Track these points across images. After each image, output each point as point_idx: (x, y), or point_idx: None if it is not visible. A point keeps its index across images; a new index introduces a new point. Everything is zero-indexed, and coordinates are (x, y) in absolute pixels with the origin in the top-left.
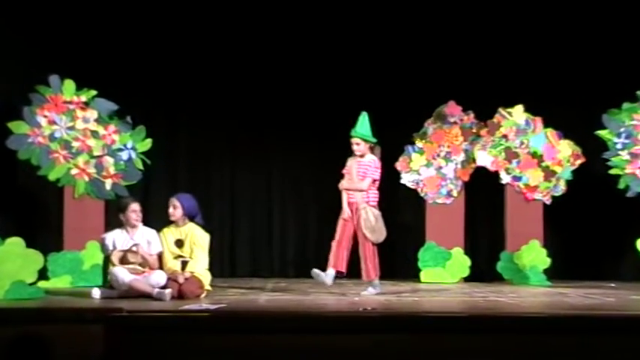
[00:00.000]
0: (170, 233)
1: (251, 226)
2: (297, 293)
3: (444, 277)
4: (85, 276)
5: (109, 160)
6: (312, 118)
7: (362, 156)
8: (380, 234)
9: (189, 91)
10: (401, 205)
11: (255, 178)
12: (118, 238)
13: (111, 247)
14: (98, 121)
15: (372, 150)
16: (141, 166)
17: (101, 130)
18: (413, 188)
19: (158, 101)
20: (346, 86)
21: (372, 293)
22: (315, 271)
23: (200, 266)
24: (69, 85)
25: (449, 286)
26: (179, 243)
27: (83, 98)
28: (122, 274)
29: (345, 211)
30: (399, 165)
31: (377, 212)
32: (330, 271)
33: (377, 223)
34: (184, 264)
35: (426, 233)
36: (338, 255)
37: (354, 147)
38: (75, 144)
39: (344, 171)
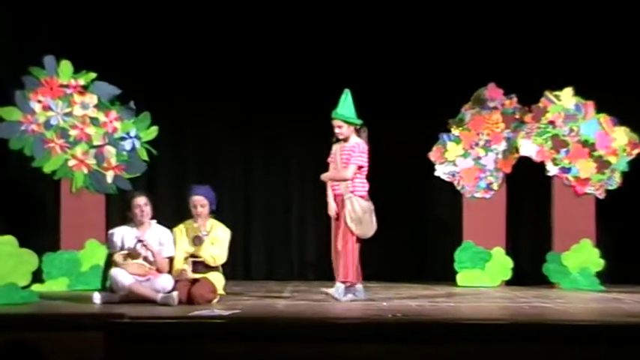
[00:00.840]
0: (189, 229)
1: (267, 224)
2: (319, 298)
3: (483, 281)
4: (84, 278)
5: (110, 150)
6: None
7: (346, 140)
8: (367, 228)
9: (199, 73)
10: (435, 200)
11: (272, 171)
12: (126, 235)
13: (119, 244)
14: (98, 106)
15: (357, 133)
16: (146, 157)
17: (101, 117)
18: (448, 181)
19: (164, 84)
20: (373, 70)
21: (335, 296)
22: (324, 290)
23: (218, 255)
24: (66, 66)
25: (488, 291)
26: (198, 240)
27: (81, 81)
28: (122, 276)
29: (331, 207)
30: (432, 155)
31: (365, 203)
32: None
33: (364, 215)
34: (196, 265)
35: (462, 231)
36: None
37: (336, 130)
38: (72, 132)
39: (329, 159)
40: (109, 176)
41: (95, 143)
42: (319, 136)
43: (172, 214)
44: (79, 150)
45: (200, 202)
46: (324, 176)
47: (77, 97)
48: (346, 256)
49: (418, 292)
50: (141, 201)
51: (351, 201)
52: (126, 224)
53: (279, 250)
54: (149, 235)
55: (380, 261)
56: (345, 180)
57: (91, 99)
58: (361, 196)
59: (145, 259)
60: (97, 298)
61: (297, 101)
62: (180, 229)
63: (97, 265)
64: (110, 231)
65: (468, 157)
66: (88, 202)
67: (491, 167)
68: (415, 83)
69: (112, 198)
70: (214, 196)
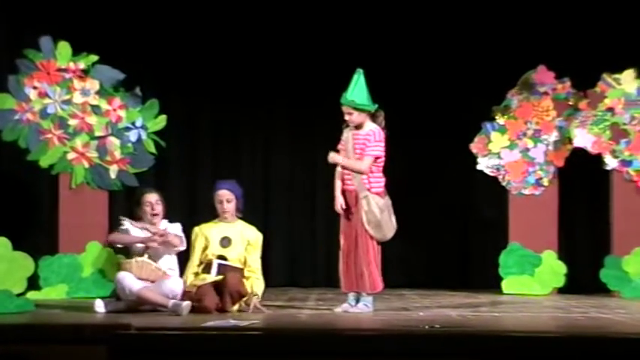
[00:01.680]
0: (214, 230)
1: (289, 223)
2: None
3: (531, 288)
4: (85, 285)
5: (113, 142)
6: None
7: (359, 127)
8: (387, 229)
9: (213, 54)
10: (477, 197)
11: (295, 164)
12: (134, 234)
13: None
14: (100, 93)
15: (373, 118)
16: (153, 150)
17: (104, 105)
18: (492, 175)
19: (174, 68)
20: (405, 49)
21: (366, 310)
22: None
23: (261, 286)
24: (64, 48)
25: (538, 300)
26: (226, 242)
27: (82, 65)
28: (130, 281)
29: (338, 202)
30: (474, 147)
31: (382, 201)
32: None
33: (383, 216)
34: (222, 267)
35: (509, 232)
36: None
37: (346, 117)
38: (72, 122)
39: (339, 146)
40: (113, 171)
41: (97, 134)
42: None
43: (184, 215)
44: (79, 142)
45: (226, 196)
46: (334, 157)
47: (77, 83)
48: (370, 265)
49: (458, 300)
50: (152, 198)
51: (367, 200)
52: (134, 224)
53: (303, 253)
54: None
55: (415, 266)
56: (360, 173)
57: (93, 85)
58: (378, 194)
59: (150, 257)
60: (99, 306)
61: (325, 87)
62: (202, 228)
63: (100, 270)
64: (122, 217)
65: (515, 149)
66: (89, 199)
67: (541, 160)
68: (454, 65)
69: (116, 195)
70: (242, 192)
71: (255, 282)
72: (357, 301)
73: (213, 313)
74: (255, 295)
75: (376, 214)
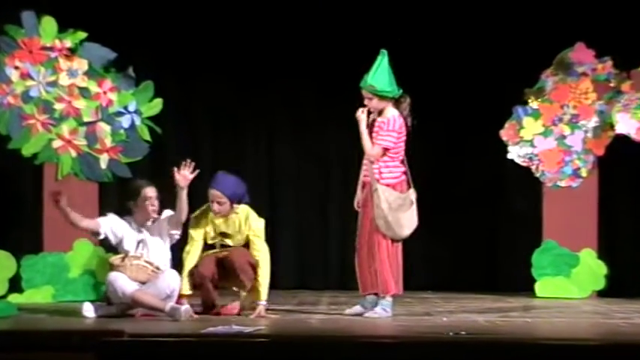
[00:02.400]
0: (213, 220)
1: (298, 219)
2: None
3: (568, 291)
4: (72, 287)
5: (104, 129)
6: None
7: (381, 113)
8: (399, 227)
9: (213, 32)
10: (508, 190)
11: (304, 153)
12: (120, 229)
13: (111, 234)
14: (89, 74)
15: (397, 104)
16: (148, 137)
17: (93, 88)
18: (524, 166)
19: (171, 46)
20: (427, 25)
21: (385, 315)
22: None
23: (268, 274)
24: (49, 24)
25: (575, 303)
26: (224, 235)
27: (68, 43)
28: (123, 282)
29: (356, 197)
30: (504, 134)
31: (394, 195)
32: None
33: (393, 212)
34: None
35: (543, 229)
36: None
37: (365, 102)
38: (58, 106)
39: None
40: (103, 160)
41: (86, 120)
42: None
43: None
44: (65, 128)
45: (216, 197)
46: (361, 116)
47: (63, 63)
48: (381, 264)
49: (487, 304)
50: (152, 193)
51: (377, 194)
52: (124, 219)
53: (314, 252)
54: (156, 231)
55: (439, 266)
56: (369, 159)
57: (81, 65)
58: (391, 185)
59: (147, 261)
60: (88, 310)
61: (338, 69)
62: (206, 212)
63: (89, 270)
64: (109, 215)
65: (550, 136)
66: (77, 192)
67: (579, 148)
68: (482, 43)
69: (107, 187)
70: (240, 191)
71: (261, 272)
72: (376, 305)
73: (209, 287)
74: (261, 302)
75: (384, 209)
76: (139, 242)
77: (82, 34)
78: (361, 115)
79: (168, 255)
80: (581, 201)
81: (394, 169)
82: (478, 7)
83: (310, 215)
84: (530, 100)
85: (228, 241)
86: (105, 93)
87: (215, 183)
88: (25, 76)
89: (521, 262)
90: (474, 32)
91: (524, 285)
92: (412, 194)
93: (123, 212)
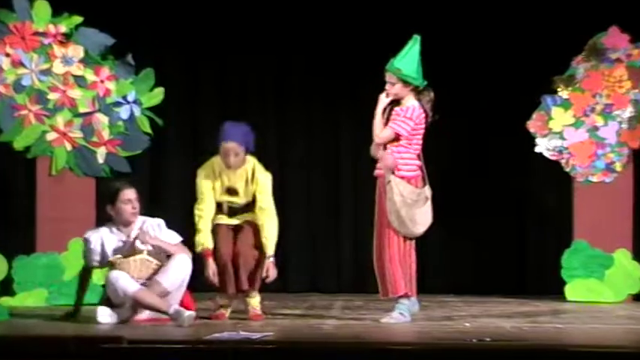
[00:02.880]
0: (222, 174)
1: (309, 217)
2: (379, 316)
3: (601, 294)
4: (67, 289)
5: (101, 120)
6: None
7: (398, 102)
8: (412, 223)
9: (218, 16)
10: (535, 186)
11: (315, 146)
12: (107, 241)
13: (98, 253)
14: (85, 61)
15: (417, 94)
16: (148, 129)
17: (90, 76)
18: (554, 160)
19: (173, 32)
20: (447, 8)
21: (402, 320)
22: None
23: (275, 229)
24: (42, 8)
25: (609, 308)
26: (232, 191)
27: (63, 28)
28: (124, 281)
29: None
30: (532, 125)
31: (409, 189)
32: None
33: (405, 206)
34: (233, 210)
35: (573, 227)
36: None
37: (387, 87)
38: (52, 96)
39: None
40: (100, 154)
41: (82, 110)
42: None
43: (185, 206)
44: (60, 119)
45: (233, 150)
46: (383, 99)
47: (57, 49)
48: (391, 262)
49: (513, 308)
50: (131, 194)
51: (390, 186)
52: (104, 226)
53: (327, 253)
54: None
55: (461, 267)
56: (376, 142)
57: (76, 51)
58: (405, 179)
59: (149, 253)
60: (104, 315)
61: (355, 56)
62: (207, 168)
63: None
64: (85, 235)
65: (581, 128)
66: (72, 188)
67: (613, 141)
68: (507, 27)
69: (104, 183)
70: (251, 138)
71: (267, 226)
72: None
73: (228, 266)
74: (268, 258)
75: (396, 202)
76: (134, 239)
77: (78, 19)
78: (383, 97)
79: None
80: (615, 197)
81: (410, 162)
82: None
83: (321, 214)
84: (559, 89)
85: (235, 200)
86: (102, 82)
87: (228, 135)
88: (17, 63)
89: (549, 264)
90: (499, 16)
91: (553, 288)
92: (427, 190)
93: (105, 219)
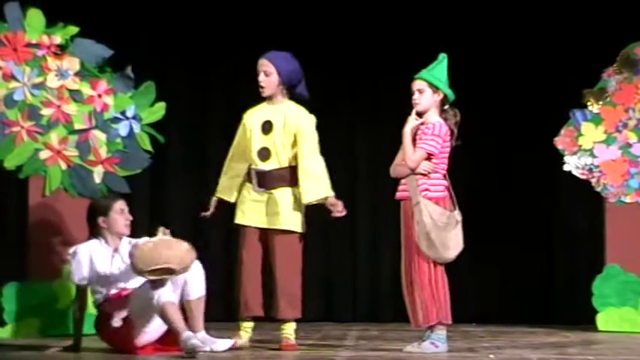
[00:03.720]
0: (257, 113)
1: (323, 238)
2: (397, 345)
3: (635, 324)
4: (62, 319)
5: (98, 137)
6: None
7: (421, 115)
8: (444, 248)
9: (224, 27)
10: (564, 207)
11: (329, 160)
12: (98, 254)
13: (86, 269)
14: (81, 74)
15: (442, 112)
16: (149, 147)
17: (86, 90)
18: (584, 178)
19: (174, 42)
20: (478, 16)
21: (431, 350)
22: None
23: (318, 169)
24: (35, 18)
25: None
26: (267, 126)
27: (57, 39)
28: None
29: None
30: (560, 142)
31: (439, 211)
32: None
33: (436, 229)
34: (263, 176)
35: (605, 251)
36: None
37: (414, 97)
38: (45, 111)
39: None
40: (97, 173)
41: (77, 127)
42: (400, 119)
43: (187, 229)
44: (54, 136)
45: (263, 66)
46: (411, 121)
47: (52, 62)
48: (423, 289)
49: (540, 339)
50: (124, 205)
51: (419, 208)
52: (93, 238)
53: (341, 279)
54: (123, 247)
55: (485, 295)
56: (409, 171)
57: (72, 64)
58: (434, 199)
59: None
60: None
61: (371, 68)
62: (245, 117)
63: None
64: (72, 249)
65: (613, 145)
66: (67, 210)
67: None
68: (535, 37)
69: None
70: (291, 67)
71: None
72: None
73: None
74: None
75: (426, 224)
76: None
77: (73, 29)
78: (413, 117)
79: None
80: None
81: (437, 183)
82: None
83: (337, 238)
84: (589, 103)
85: (267, 143)
86: (99, 96)
87: (263, 55)
88: (8, 76)
89: (580, 291)
90: (526, 25)
91: (583, 317)
92: (458, 214)
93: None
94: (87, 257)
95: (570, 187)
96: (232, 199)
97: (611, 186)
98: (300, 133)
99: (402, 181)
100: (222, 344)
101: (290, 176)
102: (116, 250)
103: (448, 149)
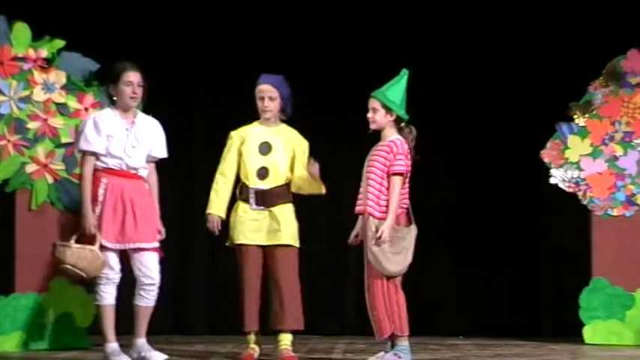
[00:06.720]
0: (252, 131)
1: (308, 251)
2: None
3: (622, 337)
4: (48, 334)
5: None
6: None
7: (378, 133)
8: (387, 262)
9: (211, 38)
10: (550, 219)
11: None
12: (108, 121)
13: (99, 131)
14: (68, 88)
15: (399, 129)
16: None
17: (73, 104)
18: (570, 192)
19: (162, 55)
20: (461, 28)
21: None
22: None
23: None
24: (21, 31)
25: (631, 352)
26: (265, 148)
27: (44, 53)
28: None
29: (354, 231)
30: (546, 155)
31: (385, 225)
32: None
33: (380, 244)
34: (261, 195)
35: (592, 264)
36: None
37: (368, 115)
38: (32, 125)
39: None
40: None
41: (64, 140)
42: None
43: (179, 235)
44: (40, 150)
45: (268, 92)
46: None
47: (38, 75)
48: (376, 301)
49: (527, 351)
50: (134, 77)
51: (369, 222)
52: (107, 107)
53: (328, 291)
54: (140, 125)
55: (471, 308)
56: (374, 195)
57: (58, 77)
58: (382, 217)
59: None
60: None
61: (356, 87)
62: (240, 132)
63: (67, 313)
64: (91, 116)
65: (599, 158)
66: (53, 223)
67: (634, 172)
68: (519, 50)
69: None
70: (288, 91)
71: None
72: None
73: None
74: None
75: (369, 238)
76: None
77: (60, 43)
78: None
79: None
80: (636, 232)
81: (386, 199)
82: (516, 9)
83: (322, 246)
84: (576, 116)
85: (267, 162)
86: (86, 110)
87: (263, 79)
88: None
89: (567, 304)
90: (513, 39)
91: (570, 330)
92: (413, 230)
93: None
94: (96, 123)
95: (557, 200)
96: (224, 217)
97: (597, 199)
98: (297, 155)
99: (360, 195)
100: (158, 357)
101: (287, 193)
102: (132, 123)
103: (410, 166)
